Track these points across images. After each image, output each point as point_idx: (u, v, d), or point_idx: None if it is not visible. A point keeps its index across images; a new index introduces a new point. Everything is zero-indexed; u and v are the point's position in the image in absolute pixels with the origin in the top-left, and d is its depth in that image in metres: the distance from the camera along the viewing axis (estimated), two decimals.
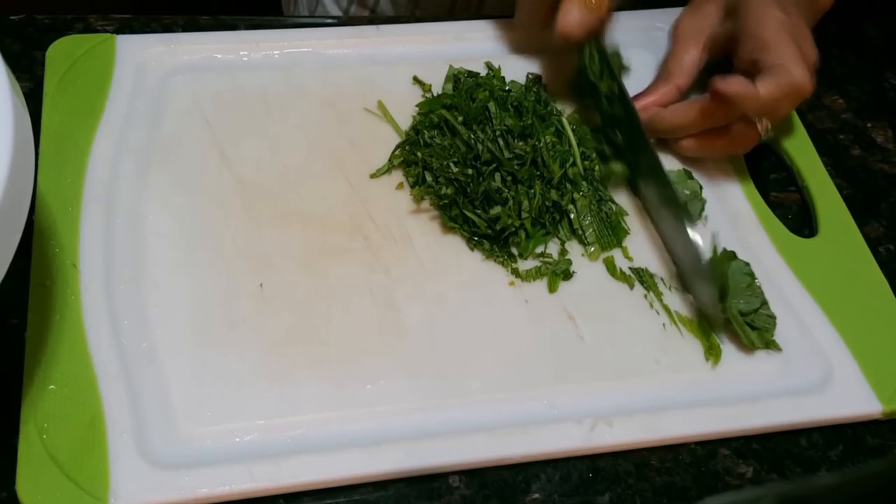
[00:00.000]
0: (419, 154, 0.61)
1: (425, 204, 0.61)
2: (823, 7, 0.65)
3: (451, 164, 0.60)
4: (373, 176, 0.62)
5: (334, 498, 0.50)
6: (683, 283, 0.60)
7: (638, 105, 0.64)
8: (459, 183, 0.60)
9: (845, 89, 0.73)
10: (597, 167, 0.63)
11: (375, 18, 0.84)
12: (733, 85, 0.59)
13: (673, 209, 0.59)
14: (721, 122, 0.62)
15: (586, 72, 0.65)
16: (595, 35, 0.64)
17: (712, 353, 0.57)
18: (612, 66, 0.63)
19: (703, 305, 0.58)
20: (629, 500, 0.52)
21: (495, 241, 0.59)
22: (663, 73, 0.66)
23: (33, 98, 0.63)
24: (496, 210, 0.59)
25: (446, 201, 0.60)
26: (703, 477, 0.53)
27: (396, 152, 0.63)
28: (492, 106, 0.62)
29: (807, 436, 0.55)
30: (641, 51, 0.70)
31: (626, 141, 0.63)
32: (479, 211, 0.59)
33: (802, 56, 0.60)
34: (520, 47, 0.70)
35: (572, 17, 0.62)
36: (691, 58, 0.65)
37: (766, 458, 0.54)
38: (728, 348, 0.57)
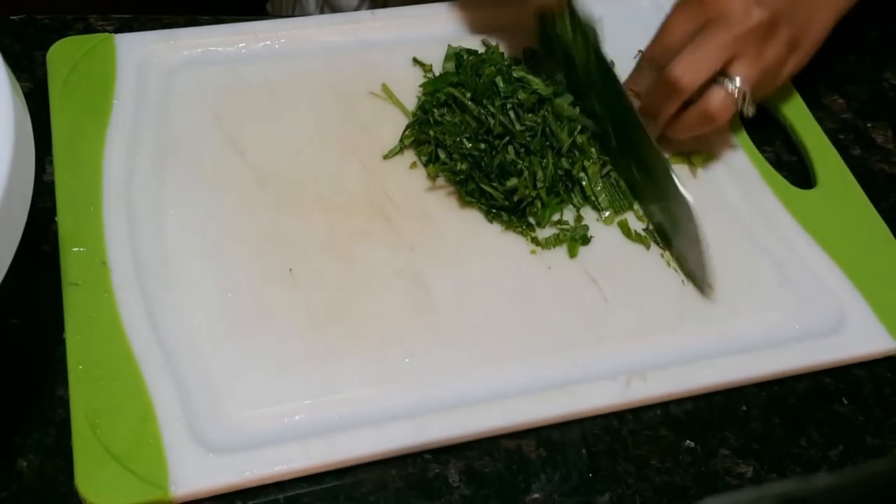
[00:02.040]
0: (431, 132, 0.63)
1: (440, 181, 0.63)
2: None
3: (465, 140, 0.61)
4: (386, 157, 0.63)
5: (334, 497, 0.51)
6: (666, 240, 0.61)
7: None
8: (474, 158, 0.61)
9: (845, 89, 0.74)
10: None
11: None
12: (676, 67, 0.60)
13: (661, 170, 0.60)
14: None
15: (560, 41, 0.64)
16: (569, 2, 0.63)
17: None
18: (588, 34, 0.63)
19: (688, 264, 0.60)
20: (629, 500, 0.52)
21: (513, 212, 0.61)
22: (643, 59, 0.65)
23: (33, 98, 0.63)
24: (512, 182, 0.60)
25: (462, 177, 0.61)
26: (703, 477, 0.53)
27: (407, 132, 0.64)
28: (499, 81, 0.63)
29: (807, 436, 0.56)
30: (629, 21, 0.72)
31: (605, 109, 0.63)
32: (495, 184, 0.60)
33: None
34: (513, 23, 0.71)
35: None
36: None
37: (766, 458, 0.54)
38: (746, 297, 0.59)
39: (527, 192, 0.60)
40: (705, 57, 0.60)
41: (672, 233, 0.61)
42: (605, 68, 0.63)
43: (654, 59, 0.63)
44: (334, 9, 0.87)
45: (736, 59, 0.60)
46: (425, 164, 0.63)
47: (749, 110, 0.62)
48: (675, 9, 0.63)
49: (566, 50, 0.64)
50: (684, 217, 0.59)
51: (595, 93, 0.64)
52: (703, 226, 0.58)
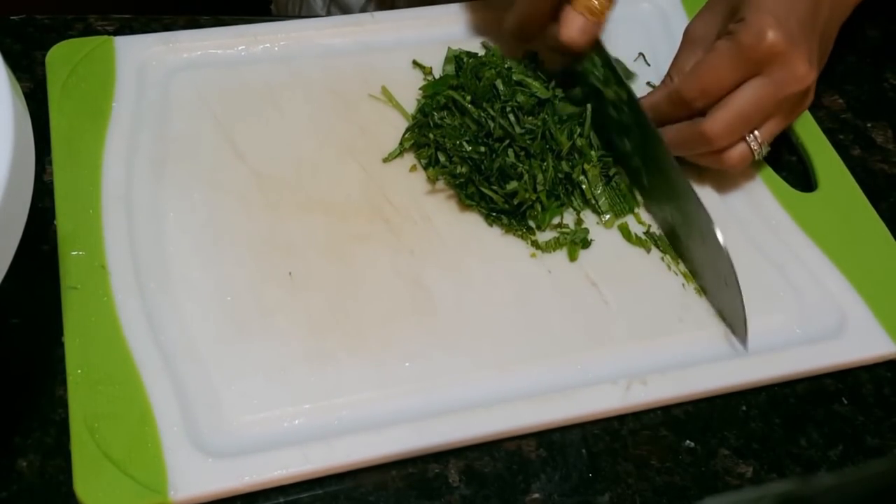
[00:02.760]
0: (430, 135, 0.62)
1: (440, 184, 0.62)
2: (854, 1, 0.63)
3: (464, 143, 0.61)
4: (385, 160, 0.63)
5: (334, 498, 0.51)
6: (704, 288, 0.60)
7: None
8: (473, 161, 0.61)
9: (845, 89, 0.74)
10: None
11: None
12: (717, 124, 0.58)
13: (700, 218, 0.58)
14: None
15: (589, 79, 0.63)
16: (597, 40, 0.62)
17: None
18: (619, 72, 0.62)
19: (725, 313, 0.58)
20: (629, 500, 0.52)
21: (513, 215, 0.61)
22: (667, 78, 0.62)
23: (33, 98, 0.63)
24: (512, 185, 0.60)
25: (462, 180, 0.61)
26: (703, 477, 0.53)
27: (407, 135, 0.64)
28: (499, 84, 0.63)
29: (807, 436, 0.56)
30: (630, 24, 0.72)
31: (635, 148, 0.62)
32: (495, 187, 0.60)
33: (804, 53, 0.57)
34: None
35: (575, 25, 0.60)
36: (697, 60, 0.60)
37: (766, 458, 0.54)
38: (747, 301, 0.59)
39: (527, 195, 0.60)
40: (747, 119, 0.58)
41: (708, 279, 0.59)
42: (637, 107, 0.60)
43: (688, 98, 0.59)
44: (341, 7, 0.87)
45: (769, 118, 0.59)
46: (425, 168, 0.63)
47: (761, 156, 0.61)
48: (722, 52, 0.57)
49: (594, 87, 0.63)
50: (722, 270, 0.56)
51: (625, 130, 0.62)
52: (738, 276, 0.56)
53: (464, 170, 0.61)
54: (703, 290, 0.59)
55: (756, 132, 0.60)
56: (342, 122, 0.65)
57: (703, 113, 0.59)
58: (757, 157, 0.61)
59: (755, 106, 0.58)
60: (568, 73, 0.65)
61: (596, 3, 0.60)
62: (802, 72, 0.57)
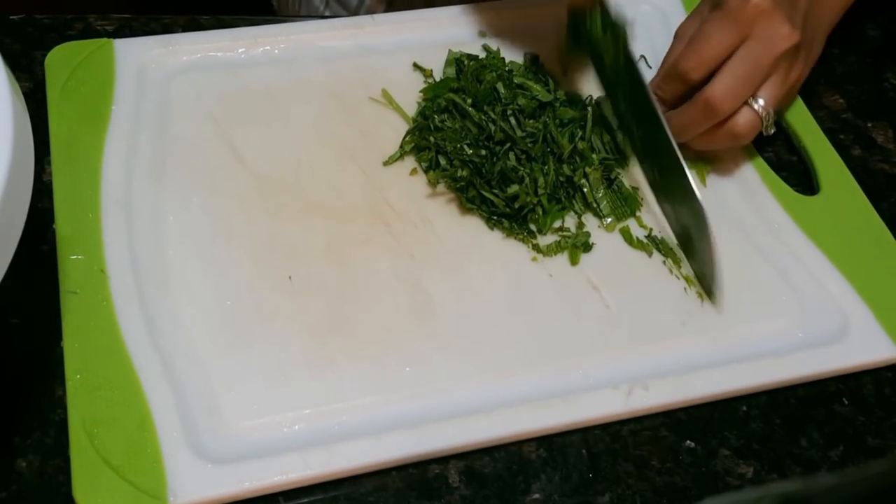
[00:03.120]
0: (431, 138, 0.62)
1: (441, 187, 0.62)
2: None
3: (465, 147, 0.61)
4: (386, 163, 0.63)
5: (334, 499, 0.51)
6: (684, 249, 0.61)
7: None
8: (474, 164, 0.61)
9: (845, 89, 0.74)
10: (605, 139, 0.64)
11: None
12: (718, 89, 0.60)
13: (681, 177, 0.60)
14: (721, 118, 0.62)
15: (589, 38, 0.64)
16: (601, 1, 0.62)
17: None
18: (619, 34, 0.62)
19: (698, 269, 0.60)
20: (629, 500, 0.52)
21: (514, 218, 0.60)
22: (661, 71, 0.65)
23: (33, 98, 0.63)
24: (513, 188, 0.60)
25: (462, 183, 0.61)
26: (703, 477, 0.53)
27: (407, 138, 0.64)
28: (500, 86, 0.63)
29: (807, 436, 0.56)
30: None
31: (630, 110, 0.63)
32: (496, 190, 0.60)
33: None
34: (514, 28, 0.71)
35: None
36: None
37: (766, 458, 0.54)
38: (748, 305, 0.59)
39: (528, 198, 0.59)
40: (745, 81, 0.60)
41: (685, 237, 0.61)
42: (633, 69, 0.62)
43: (687, 71, 0.61)
44: (341, 4, 0.87)
45: (766, 79, 0.61)
46: (426, 171, 0.62)
47: (770, 129, 0.62)
48: (712, 20, 0.61)
49: (595, 48, 0.64)
50: (699, 225, 0.58)
51: (622, 93, 0.63)
52: (715, 236, 0.58)
53: (464, 173, 0.61)
54: (686, 251, 0.61)
55: (760, 98, 0.61)
56: (342, 125, 0.65)
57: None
58: (765, 125, 0.62)
59: (750, 66, 0.60)
60: (575, 35, 0.66)
61: None
62: (786, 31, 0.60)
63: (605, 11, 0.63)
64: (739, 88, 0.60)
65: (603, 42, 0.63)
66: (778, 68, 0.61)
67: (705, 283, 0.59)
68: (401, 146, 0.64)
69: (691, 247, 0.60)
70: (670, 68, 0.62)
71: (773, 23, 0.60)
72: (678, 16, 0.73)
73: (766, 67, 0.60)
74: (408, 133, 0.64)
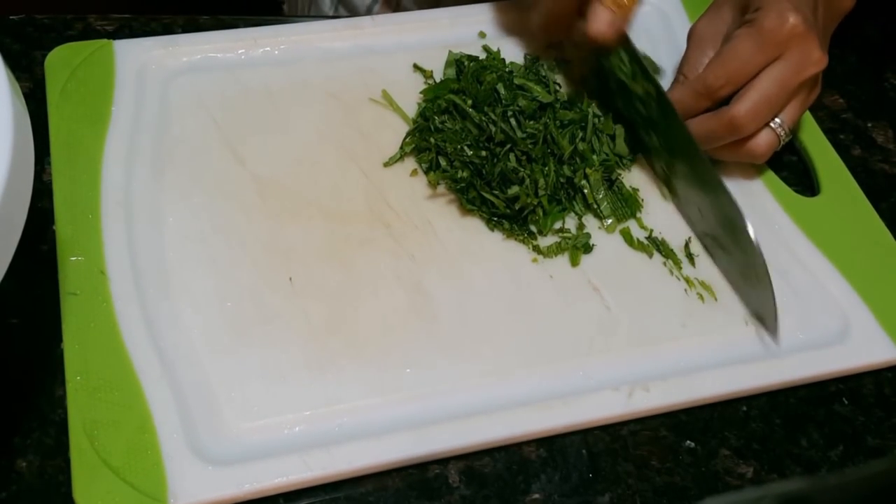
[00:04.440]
0: (431, 140, 0.62)
1: (441, 189, 0.62)
2: (845, 9, 0.65)
3: (466, 148, 0.61)
4: (386, 164, 0.63)
5: (334, 499, 0.51)
6: (731, 280, 0.60)
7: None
8: (475, 165, 0.60)
9: (845, 89, 0.74)
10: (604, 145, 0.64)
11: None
12: (743, 107, 0.59)
13: (731, 217, 0.58)
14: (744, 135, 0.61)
15: (616, 74, 0.63)
16: (624, 35, 0.62)
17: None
18: (647, 67, 0.61)
19: (753, 307, 0.59)
20: (629, 500, 0.52)
21: (514, 220, 0.60)
22: (679, 77, 0.64)
23: (33, 98, 0.63)
24: (514, 190, 0.59)
25: (463, 184, 0.61)
26: (703, 477, 0.53)
27: (407, 139, 0.64)
28: (500, 87, 0.63)
29: (807, 436, 0.55)
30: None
31: (664, 142, 0.62)
32: (496, 192, 0.60)
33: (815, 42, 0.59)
34: (514, 28, 0.71)
35: (602, 19, 0.61)
36: (708, 60, 0.62)
37: (766, 458, 0.54)
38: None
39: (528, 200, 0.59)
40: (772, 102, 0.60)
41: (737, 274, 0.60)
42: (665, 101, 0.61)
43: (716, 88, 0.60)
44: (348, 7, 0.86)
45: (790, 102, 0.61)
46: (426, 172, 0.62)
47: (785, 141, 0.62)
48: (744, 37, 0.59)
49: (623, 83, 0.63)
50: (754, 265, 0.57)
51: (653, 125, 0.62)
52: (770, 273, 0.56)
53: (465, 174, 0.61)
54: (733, 286, 0.60)
55: (778, 118, 0.61)
56: (341, 125, 0.65)
57: (725, 104, 0.61)
58: (782, 143, 0.62)
59: (778, 88, 0.59)
60: (595, 71, 0.66)
61: None
62: (818, 55, 0.60)
63: (629, 45, 0.62)
64: (765, 109, 0.60)
65: (631, 76, 0.62)
66: (802, 91, 0.61)
67: (763, 321, 0.58)
68: (401, 147, 0.64)
69: (742, 284, 0.59)
70: (698, 84, 0.61)
71: (806, 46, 0.59)
72: (678, 16, 0.74)
73: (793, 90, 0.60)
74: (408, 134, 0.64)
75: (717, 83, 0.60)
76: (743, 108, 0.59)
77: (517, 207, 0.60)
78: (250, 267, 0.57)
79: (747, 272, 0.58)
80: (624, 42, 0.62)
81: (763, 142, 0.61)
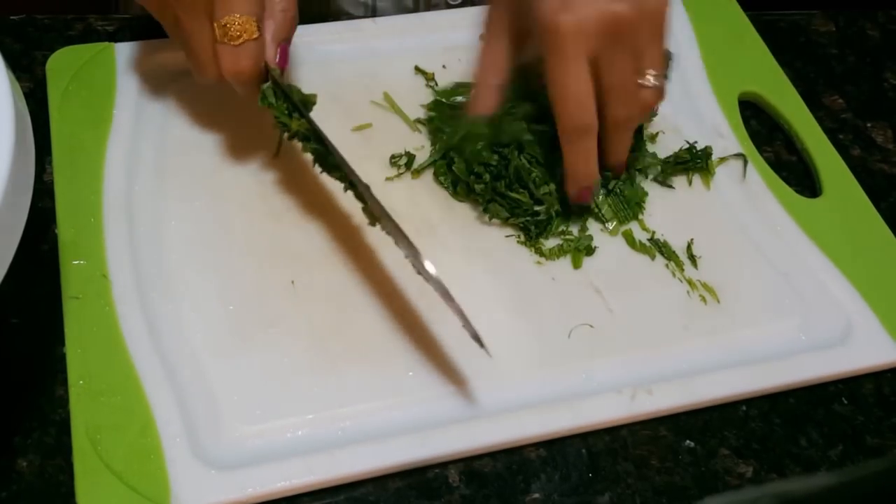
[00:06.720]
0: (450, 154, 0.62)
1: (444, 192, 0.62)
2: None
3: (483, 152, 0.60)
4: (388, 179, 0.63)
5: (334, 498, 0.51)
6: None
7: (472, 116, 0.60)
8: (492, 168, 0.60)
9: (845, 89, 0.74)
10: None
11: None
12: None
13: None
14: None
15: (275, 113, 0.57)
16: (267, 70, 0.56)
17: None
18: (296, 101, 0.56)
19: None
20: (629, 500, 0.52)
21: (527, 229, 0.60)
22: (477, 77, 0.61)
23: (34, 98, 0.63)
24: (545, 189, 0.59)
25: (482, 186, 0.61)
26: (703, 477, 0.53)
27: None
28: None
29: (807, 436, 0.56)
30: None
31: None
32: (522, 191, 0.60)
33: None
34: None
35: (225, 59, 0.55)
36: (501, 52, 0.59)
37: (766, 458, 0.54)
38: (751, 308, 0.59)
39: (552, 199, 0.60)
40: (627, 81, 0.56)
41: None
42: (321, 136, 0.56)
43: (584, 123, 0.56)
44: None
45: (640, 55, 0.56)
46: (440, 178, 0.63)
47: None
48: (553, 66, 0.55)
49: (283, 122, 0.57)
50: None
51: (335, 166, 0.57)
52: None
53: (486, 178, 0.60)
54: None
55: (647, 74, 0.57)
56: (343, 128, 0.65)
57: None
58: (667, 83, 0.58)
59: (617, 66, 0.56)
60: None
61: (236, 23, 0.54)
62: (594, 26, 0.54)
63: (275, 78, 0.57)
64: (631, 87, 0.56)
65: (289, 113, 0.57)
66: (632, 41, 0.55)
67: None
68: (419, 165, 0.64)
69: None
70: (569, 132, 0.57)
71: (587, 26, 0.54)
72: (678, 16, 0.73)
73: (628, 50, 0.55)
74: (431, 160, 0.64)
75: (580, 119, 0.56)
76: (614, 109, 0.57)
77: (541, 213, 0.60)
78: (252, 270, 0.57)
79: None
80: (270, 76, 0.56)
81: (651, 98, 0.57)
